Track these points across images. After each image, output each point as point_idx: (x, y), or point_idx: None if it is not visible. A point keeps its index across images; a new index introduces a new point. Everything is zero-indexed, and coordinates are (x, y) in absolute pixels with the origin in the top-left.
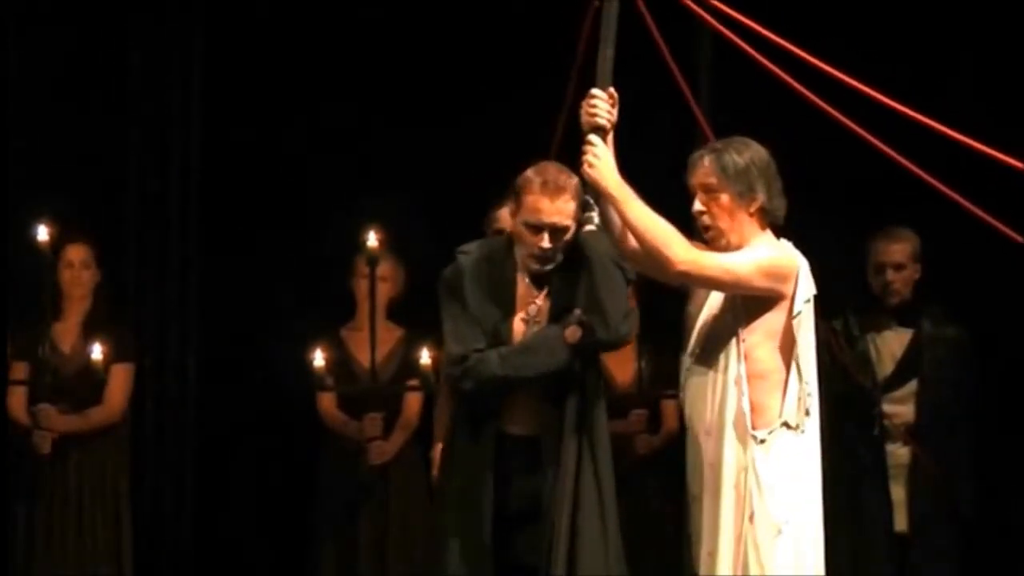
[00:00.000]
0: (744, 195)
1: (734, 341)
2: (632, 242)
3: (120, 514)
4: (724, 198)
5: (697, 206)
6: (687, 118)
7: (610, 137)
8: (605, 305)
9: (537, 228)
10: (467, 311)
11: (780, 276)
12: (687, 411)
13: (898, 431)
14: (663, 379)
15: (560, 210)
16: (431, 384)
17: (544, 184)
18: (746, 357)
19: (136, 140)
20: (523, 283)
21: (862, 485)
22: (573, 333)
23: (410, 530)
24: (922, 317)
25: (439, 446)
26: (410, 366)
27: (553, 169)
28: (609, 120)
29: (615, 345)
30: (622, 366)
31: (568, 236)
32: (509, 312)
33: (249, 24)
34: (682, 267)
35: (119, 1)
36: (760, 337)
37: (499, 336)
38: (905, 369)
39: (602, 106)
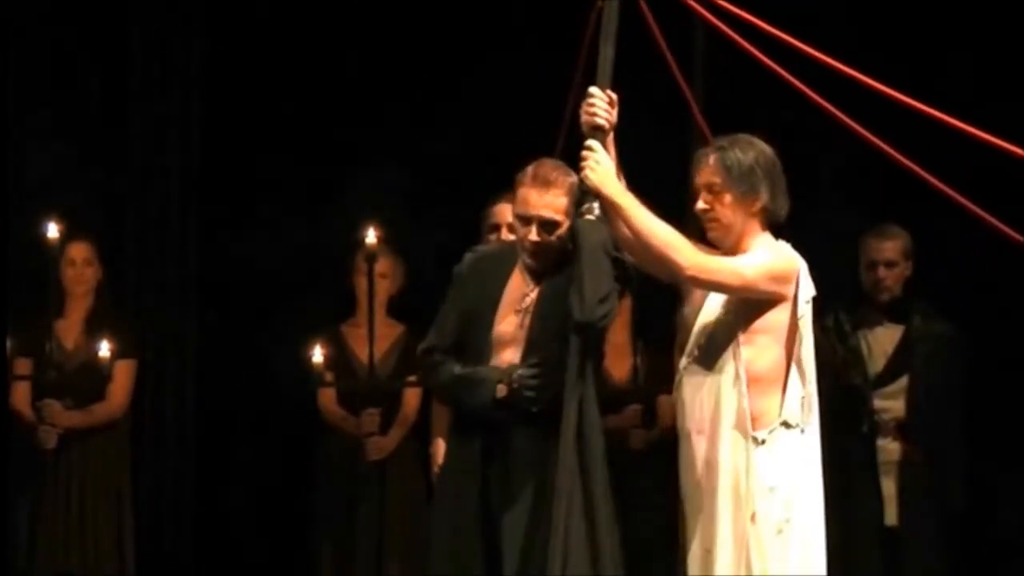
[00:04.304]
0: (747, 195)
1: (733, 342)
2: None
3: (122, 509)
4: (728, 197)
5: (701, 204)
6: (683, 118)
7: (610, 138)
8: (584, 286)
9: (525, 220)
10: (457, 306)
11: (783, 278)
12: (680, 411)
13: (889, 427)
14: (659, 375)
15: (548, 204)
16: None
17: (535, 177)
18: (745, 358)
19: (137, 138)
20: (519, 277)
21: (853, 480)
22: (500, 390)
23: (408, 526)
24: (913, 313)
25: (439, 442)
26: (409, 362)
27: (549, 164)
28: (608, 120)
29: (589, 327)
30: (618, 362)
31: (560, 231)
32: (496, 302)
33: (249, 23)
34: (691, 272)
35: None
36: (759, 338)
37: (484, 324)
38: (896, 365)
39: (600, 106)
